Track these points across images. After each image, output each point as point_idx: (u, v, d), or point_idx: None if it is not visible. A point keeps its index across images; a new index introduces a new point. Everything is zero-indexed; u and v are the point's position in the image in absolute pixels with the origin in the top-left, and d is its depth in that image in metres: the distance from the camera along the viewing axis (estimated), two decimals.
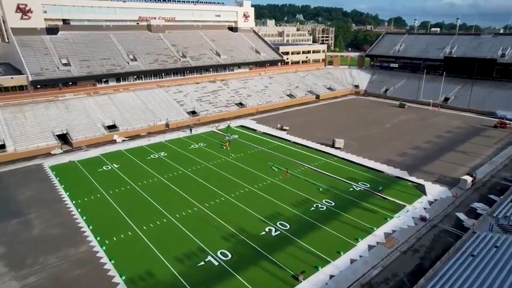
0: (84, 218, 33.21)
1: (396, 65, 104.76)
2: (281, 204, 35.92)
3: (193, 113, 70.18)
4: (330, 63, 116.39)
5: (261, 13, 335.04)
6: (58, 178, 42.41)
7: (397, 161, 47.87)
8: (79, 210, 34.75)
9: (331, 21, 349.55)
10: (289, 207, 35.22)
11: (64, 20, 73.16)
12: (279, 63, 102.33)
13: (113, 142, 57.18)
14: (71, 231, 31.10)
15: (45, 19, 69.69)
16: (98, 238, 29.82)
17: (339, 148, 53.06)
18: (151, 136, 59.97)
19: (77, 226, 31.81)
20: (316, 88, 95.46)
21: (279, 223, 32.27)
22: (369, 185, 40.44)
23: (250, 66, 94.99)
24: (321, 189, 39.34)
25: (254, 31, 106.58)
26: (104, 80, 70.65)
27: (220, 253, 27.99)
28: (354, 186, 40.20)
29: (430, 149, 53.23)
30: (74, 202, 36.43)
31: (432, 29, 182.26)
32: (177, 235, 30.54)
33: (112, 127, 60.01)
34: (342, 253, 28.02)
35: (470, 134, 60.96)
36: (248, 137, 59.36)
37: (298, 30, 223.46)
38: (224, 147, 53.37)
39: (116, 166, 46.40)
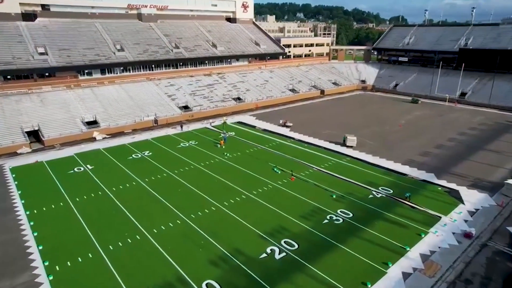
0: (35, 234, 26.08)
1: (405, 59, 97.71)
2: (286, 215, 28.82)
3: (186, 108, 63.08)
4: (334, 58, 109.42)
5: (261, 12, 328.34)
6: (16, 182, 35.29)
7: (420, 162, 40.80)
8: (31, 223, 27.63)
9: (332, 19, 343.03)
10: (296, 219, 28.13)
11: (43, 6, 66.04)
12: (281, 57, 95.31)
13: (93, 140, 50.08)
14: (13, 253, 23.97)
15: (21, 4, 62.58)
16: (46, 263, 22.67)
17: (351, 146, 45.98)
18: (137, 134, 52.86)
19: (23, 246, 24.66)
20: (321, 83, 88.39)
21: (284, 242, 25.17)
22: (392, 191, 33.34)
23: (249, 59, 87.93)
24: (334, 196, 32.25)
25: (253, 22, 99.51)
26: (87, 71, 63.59)
27: (206, 286, 20.87)
28: (374, 192, 33.09)
29: (456, 147, 46.15)
30: (28, 212, 29.29)
31: None
32: (152, 258, 23.41)
33: (92, 123, 52.89)
34: (369, 286, 20.90)
35: (497, 131, 53.85)
36: (247, 134, 52.28)
37: (299, 26, 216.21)
38: (219, 146, 46.28)
39: (90, 167, 39.29)
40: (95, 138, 50.52)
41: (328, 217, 28.58)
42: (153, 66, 71.22)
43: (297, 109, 69.92)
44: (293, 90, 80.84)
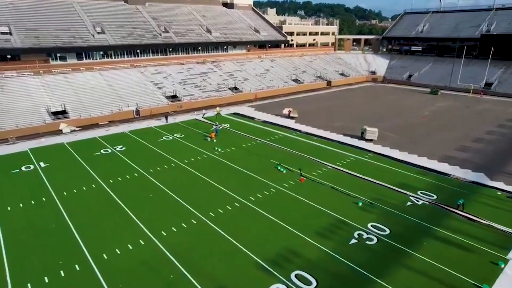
0: None
1: (419, 48, 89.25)
2: (296, 232, 20.36)
3: (174, 98, 54.59)
4: (340, 48, 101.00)
5: (261, 8, 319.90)
6: None
7: (461, 158, 32.36)
8: None
9: (333, 17, 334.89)
10: (311, 239, 19.67)
11: None
12: (283, 45, 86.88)
13: (59, 133, 41.59)
14: None
15: None
16: None
17: (371, 140, 37.55)
18: (113, 126, 44.36)
19: None
20: (327, 74, 79.87)
21: (296, 275, 16.72)
22: (436, 196, 24.90)
23: (248, 46, 79.44)
24: (360, 204, 23.78)
25: (253, 8, 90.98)
26: (60, 56, 55.15)
27: None
28: (412, 198, 24.63)
29: (499, 142, 37.74)
30: None
31: None
32: None
33: (59, 114, 44.36)
34: None
35: None
36: (244, 126, 43.83)
37: (301, 20, 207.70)
38: (209, 139, 37.83)
39: (43, 165, 30.79)
40: (61, 130, 42.02)
41: (356, 234, 20.12)
42: (138, 51, 62.76)
43: (302, 100, 61.45)
44: (296, 80, 72.37)
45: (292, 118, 47.16)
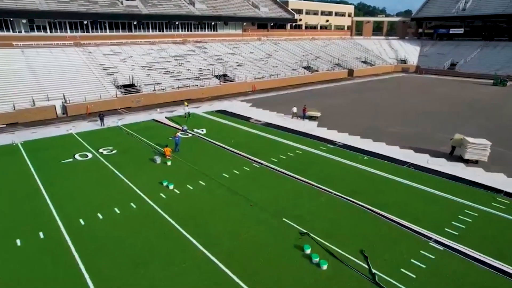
0: None
1: (460, 30, 70.75)
2: None
3: (129, 87, 36.22)
4: (358, 33, 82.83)
5: None
6: None
7: None
8: None
9: None
10: None
11: None
12: (288, 26, 68.57)
13: None
14: None
15: None
16: None
17: (475, 161, 19.17)
18: (8, 132, 25.91)
19: None
20: (346, 61, 61.49)
21: None
22: None
23: (244, 25, 61.03)
24: None
25: None
26: None
27: None
28: None
29: None
30: None
31: None
32: None
33: None
34: None
35: None
36: (232, 132, 25.45)
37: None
38: (158, 160, 19.34)
39: None
40: None
41: None
42: (87, 24, 44.32)
43: (320, 92, 43.09)
44: (308, 68, 53.99)
45: (310, 118, 28.77)
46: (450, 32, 72.36)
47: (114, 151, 21.27)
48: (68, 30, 43.46)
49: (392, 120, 29.07)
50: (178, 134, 22.64)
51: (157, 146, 21.94)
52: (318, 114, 29.08)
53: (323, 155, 20.70)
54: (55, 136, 24.54)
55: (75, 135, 24.91)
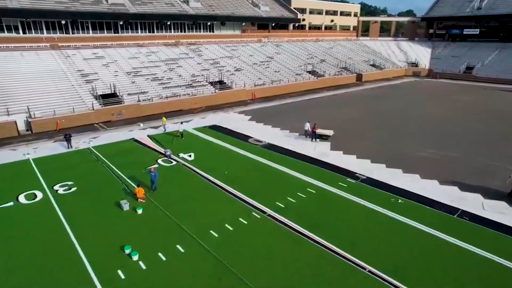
0: None
1: (475, 31, 65.94)
2: None
3: (110, 97, 31.34)
4: (364, 34, 78.00)
5: None
6: None
7: None
8: None
9: None
10: None
11: None
12: (291, 26, 63.81)
13: None
14: None
15: None
16: None
17: None
18: None
19: None
20: (353, 64, 56.69)
21: None
22: None
23: (243, 25, 56.16)
24: None
25: None
26: None
27: None
28: None
29: None
30: None
31: None
32: None
33: None
34: None
35: None
36: (227, 158, 20.59)
37: None
38: (126, 206, 14.43)
39: None
40: None
41: None
42: (66, 24, 39.44)
43: (327, 101, 38.25)
44: (313, 72, 49.17)
45: (323, 138, 23.90)
46: (464, 32, 67.59)
47: (72, 189, 16.41)
48: (45, 31, 38.57)
49: (418, 139, 24.24)
50: (155, 167, 17.83)
51: (129, 181, 17.12)
52: (330, 133, 24.22)
53: (343, 196, 15.85)
54: (5, 164, 19.69)
55: (32, 162, 20.04)
